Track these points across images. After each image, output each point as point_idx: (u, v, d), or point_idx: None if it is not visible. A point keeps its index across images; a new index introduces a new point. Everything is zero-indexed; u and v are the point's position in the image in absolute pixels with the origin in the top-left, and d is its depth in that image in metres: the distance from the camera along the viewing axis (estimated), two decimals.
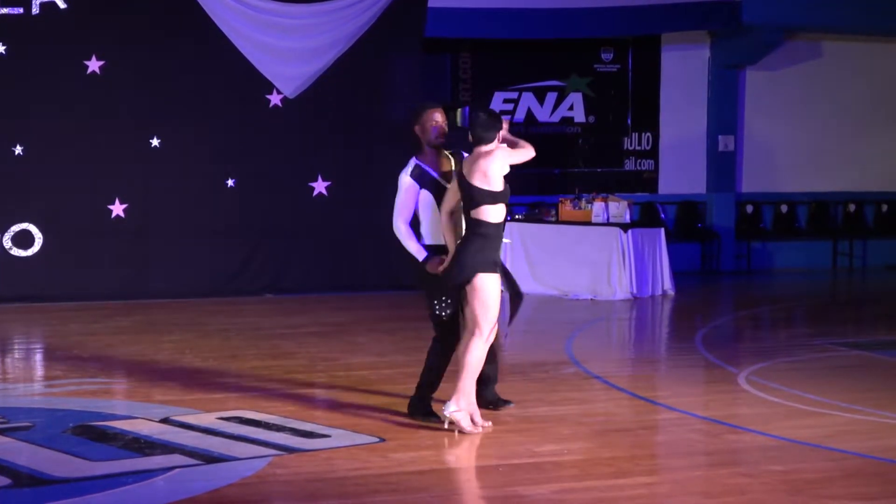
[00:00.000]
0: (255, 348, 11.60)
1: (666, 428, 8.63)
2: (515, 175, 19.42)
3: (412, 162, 8.25)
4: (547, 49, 18.07)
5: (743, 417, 8.77)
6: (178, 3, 15.08)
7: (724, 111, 19.18)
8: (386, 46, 15.79)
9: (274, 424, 8.23)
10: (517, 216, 16.71)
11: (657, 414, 9.00)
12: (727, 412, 8.94)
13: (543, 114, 18.35)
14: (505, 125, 8.19)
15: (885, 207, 20.23)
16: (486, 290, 7.87)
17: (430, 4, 15.93)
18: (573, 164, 18.62)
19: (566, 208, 16.24)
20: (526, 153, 8.11)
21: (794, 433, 8.17)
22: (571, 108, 18.53)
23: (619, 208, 15.92)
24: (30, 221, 14.75)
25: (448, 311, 8.01)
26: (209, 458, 7.36)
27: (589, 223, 15.92)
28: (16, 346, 12.35)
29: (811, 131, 19.61)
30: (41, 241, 14.78)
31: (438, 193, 8.15)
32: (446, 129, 8.29)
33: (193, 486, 6.85)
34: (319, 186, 15.68)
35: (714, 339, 12.60)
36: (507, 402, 8.75)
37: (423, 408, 8.31)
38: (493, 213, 7.92)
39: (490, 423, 8.15)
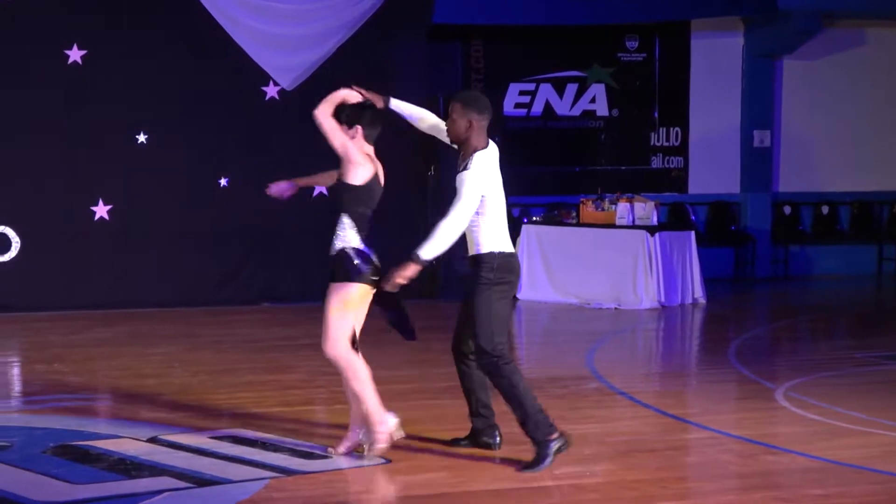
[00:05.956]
0: (250, 362, 11.61)
1: (696, 448, 8.63)
2: (531, 173, 19.22)
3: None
4: (566, 37, 18.07)
5: (780, 437, 8.77)
6: None
7: (759, 104, 19.17)
8: (391, 34, 15.81)
9: (271, 444, 8.24)
10: (535, 218, 16.72)
11: (687, 433, 9.00)
12: (763, 431, 8.94)
13: (563, 107, 18.35)
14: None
15: None
16: None
17: None
18: (595, 162, 18.62)
19: (588, 209, 16.23)
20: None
21: (835, 454, 8.16)
22: (593, 100, 18.54)
23: (645, 209, 15.91)
24: (6, 224, 14.78)
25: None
26: (200, 481, 7.37)
27: (612, 226, 15.91)
28: None
29: (853, 125, 19.60)
30: (19, 245, 14.80)
31: None
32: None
33: None
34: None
35: (749, 352, 12.59)
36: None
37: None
38: None
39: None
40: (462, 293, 8.10)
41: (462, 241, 7.96)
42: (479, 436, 8.20)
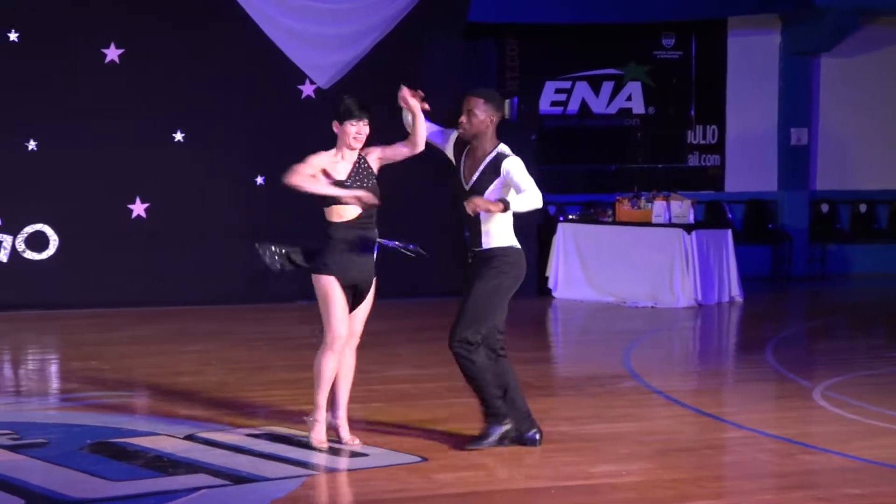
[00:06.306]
0: (286, 359, 11.63)
1: (733, 447, 8.59)
2: (566, 171, 19.18)
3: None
4: (602, 34, 18.04)
5: (818, 436, 8.72)
6: None
7: (797, 102, 19.08)
8: (427, 32, 15.82)
9: (307, 442, 8.25)
10: (571, 216, 16.68)
11: (724, 432, 8.97)
12: (800, 430, 8.89)
13: (599, 105, 18.31)
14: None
15: None
16: (319, 292, 7.99)
17: None
18: (631, 160, 18.57)
19: (624, 208, 16.20)
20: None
21: (874, 453, 8.11)
22: (629, 98, 18.49)
23: (681, 208, 15.86)
24: (44, 222, 14.85)
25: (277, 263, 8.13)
26: (237, 479, 7.39)
27: (649, 224, 15.88)
28: (29, 357, 12.44)
29: (891, 123, 19.48)
30: (56, 243, 14.88)
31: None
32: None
33: None
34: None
35: (786, 351, 12.53)
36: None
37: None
38: (336, 213, 8.02)
39: (357, 440, 8.13)
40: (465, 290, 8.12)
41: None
42: (519, 431, 8.19)
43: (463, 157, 8.14)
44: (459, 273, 8.31)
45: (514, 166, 7.93)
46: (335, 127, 8.11)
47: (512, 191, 7.83)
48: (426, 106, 8.16)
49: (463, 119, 8.07)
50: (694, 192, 17.86)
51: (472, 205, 7.77)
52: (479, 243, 8.02)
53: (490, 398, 8.04)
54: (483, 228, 8.00)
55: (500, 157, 7.98)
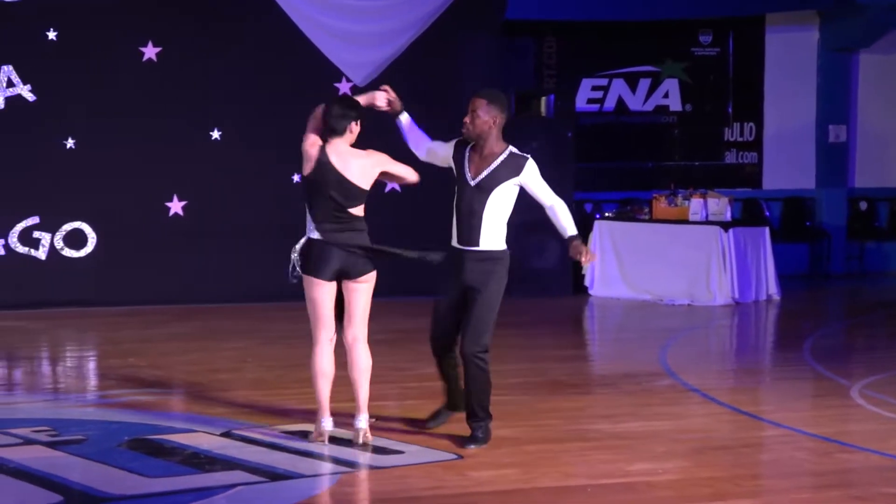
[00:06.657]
0: None
1: (770, 446, 8.56)
2: (603, 168, 19.11)
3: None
4: (639, 32, 17.99)
5: (856, 434, 8.68)
6: None
7: (835, 98, 18.98)
8: (464, 30, 15.80)
9: (342, 439, 8.26)
10: (607, 214, 16.65)
11: (761, 430, 8.94)
12: (838, 429, 8.86)
13: (636, 102, 18.26)
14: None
15: None
16: None
17: None
18: (668, 157, 18.52)
19: (661, 205, 16.15)
20: (403, 172, 8.39)
21: None
22: (666, 95, 18.44)
23: (718, 205, 15.81)
24: (83, 220, 14.92)
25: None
26: (273, 476, 7.42)
27: (686, 222, 15.83)
28: (67, 354, 12.51)
29: None
30: (94, 241, 14.95)
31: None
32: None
33: None
34: (392, 183, 15.72)
35: (824, 349, 12.48)
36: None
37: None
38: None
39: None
40: (443, 290, 8.22)
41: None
42: (454, 402, 8.46)
43: (467, 155, 8.16)
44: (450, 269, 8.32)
45: (536, 174, 8.07)
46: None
47: (569, 220, 8.04)
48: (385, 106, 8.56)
49: (466, 119, 8.13)
50: (731, 189, 17.79)
51: (589, 259, 8.09)
52: (477, 243, 8.06)
53: (488, 400, 8.18)
54: (483, 230, 8.05)
55: (520, 159, 8.08)
